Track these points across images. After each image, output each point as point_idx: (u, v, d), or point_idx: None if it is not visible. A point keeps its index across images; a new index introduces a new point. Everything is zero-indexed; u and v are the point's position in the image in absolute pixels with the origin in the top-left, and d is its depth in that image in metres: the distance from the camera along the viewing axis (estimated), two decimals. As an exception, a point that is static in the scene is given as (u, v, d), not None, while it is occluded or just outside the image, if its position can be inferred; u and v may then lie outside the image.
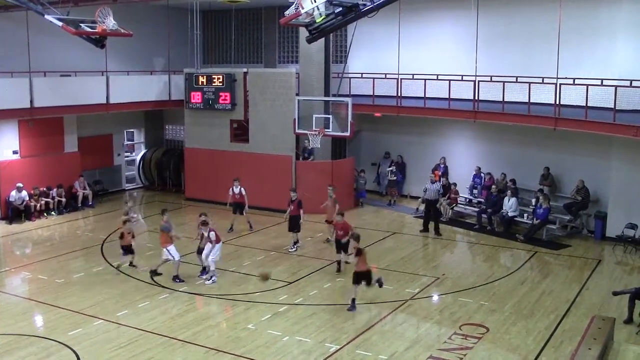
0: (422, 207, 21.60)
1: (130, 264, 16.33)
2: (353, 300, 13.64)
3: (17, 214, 21.21)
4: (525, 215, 20.00)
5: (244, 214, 19.70)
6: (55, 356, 11.49)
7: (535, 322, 13.09)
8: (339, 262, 16.13)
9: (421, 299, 14.49)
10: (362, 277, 13.57)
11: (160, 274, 15.67)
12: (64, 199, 22.55)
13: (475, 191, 22.22)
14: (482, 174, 22.11)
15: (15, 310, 13.70)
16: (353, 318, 13.24)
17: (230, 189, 19.65)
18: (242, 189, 19.55)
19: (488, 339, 12.31)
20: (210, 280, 15.32)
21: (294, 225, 18.04)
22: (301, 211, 17.98)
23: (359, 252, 13.51)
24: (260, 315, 13.39)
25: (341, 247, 15.88)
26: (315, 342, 12.10)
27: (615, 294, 13.94)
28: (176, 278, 15.44)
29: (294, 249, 17.99)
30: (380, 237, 18.98)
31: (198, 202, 22.35)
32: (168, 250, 15.43)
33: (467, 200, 22.29)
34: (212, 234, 15.27)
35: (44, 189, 22.06)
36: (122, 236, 16.28)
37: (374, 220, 21.43)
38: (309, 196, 21.23)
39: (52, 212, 22.15)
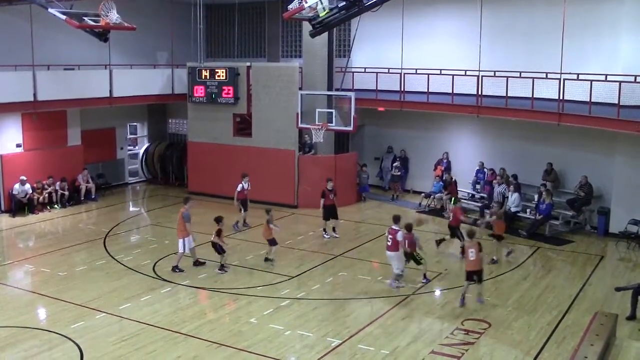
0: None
1: (266, 259, 16.41)
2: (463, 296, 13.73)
3: (20, 207, 21.23)
4: (528, 210, 19.96)
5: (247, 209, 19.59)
6: (58, 349, 11.52)
7: (538, 318, 13.08)
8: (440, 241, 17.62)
9: (423, 294, 14.49)
10: (476, 273, 13.73)
11: (204, 263, 16.01)
12: (67, 192, 22.55)
13: (478, 186, 22.19)
14: (485, 169, 22.07)
15: (18, 303, 13.74)
16: (355, 312, 13.25)
17: (240, 184, 19.25)
18: (249, 184, 19.50)
19: (490, 334, 12.31)
20: (393, 284, 14.69)
21: (334, 213, 18.61)
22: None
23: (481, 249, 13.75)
24: (263, 309, 13.40)
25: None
26: (317, 337, 12.11)
27: (618, 290, 13.93)
28: (175, 268, 15.57)
29: (328, 237, 18.62)
30: (383, 231, 18.86)
31: (201, 196, 22.35)
32: (183, 241, 15.54)
33: (470, 195, 22.26)
34: (399, 235, 14.47)
35: (47, 182, 22.07)
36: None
37: (377, 215, 21.41)
38: (310, 189, 21.29)
39: (55, 205, 22.16)
